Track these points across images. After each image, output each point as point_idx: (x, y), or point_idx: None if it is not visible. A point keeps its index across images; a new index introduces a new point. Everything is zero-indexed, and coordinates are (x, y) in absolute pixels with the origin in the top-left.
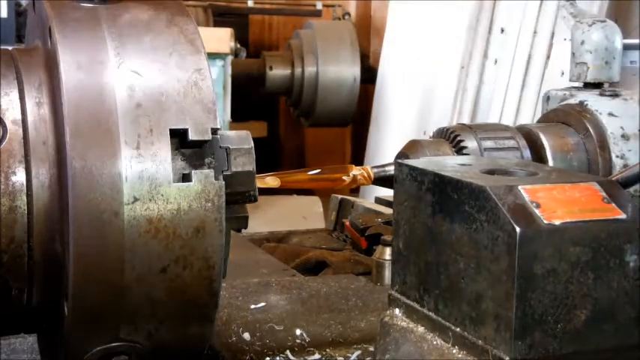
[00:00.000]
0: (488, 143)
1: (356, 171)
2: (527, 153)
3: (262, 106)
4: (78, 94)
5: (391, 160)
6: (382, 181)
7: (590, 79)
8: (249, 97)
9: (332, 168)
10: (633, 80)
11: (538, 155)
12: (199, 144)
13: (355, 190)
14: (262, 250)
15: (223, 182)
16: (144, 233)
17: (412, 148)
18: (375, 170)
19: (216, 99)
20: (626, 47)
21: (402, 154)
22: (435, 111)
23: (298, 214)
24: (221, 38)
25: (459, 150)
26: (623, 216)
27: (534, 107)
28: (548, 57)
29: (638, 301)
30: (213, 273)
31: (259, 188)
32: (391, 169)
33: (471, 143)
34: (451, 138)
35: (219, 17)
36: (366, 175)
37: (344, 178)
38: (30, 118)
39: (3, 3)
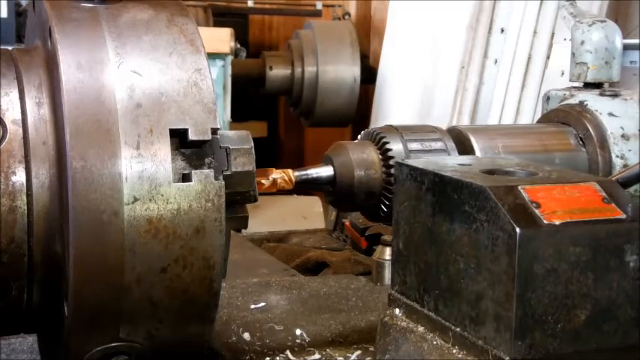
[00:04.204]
0: (414, 145)
1: (276, 174)
2: (455, 155)
3: (262, 106)
4: (78, 94)
5: None
6: (304, 184)
7: (590, 79)
8: (249, 97)
9: None
10: (633, 80)
11: None
12: (199, 144)
13: None
14: (262, 250)
15: (223, 182)
16: (144, 233)
17: (336, 150)
18: (297, 174)
19: (216, 99)
20: (626, 47)
21: (327, 157)
22: (435, 111)
23: (298, 214)
24: (221, 38)
25: (384, 152)
26: (623, 216)
27: (534, 107)
28: (548, 57)
29: (638, 301)
30: (213, 273)
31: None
32: (313, 173)
33: (396, 145)
34: (376, 140)
35: (219, 17)
36: (287, 178)
37: (263, 181)
38: (30, 118)
39: (3, 3)
